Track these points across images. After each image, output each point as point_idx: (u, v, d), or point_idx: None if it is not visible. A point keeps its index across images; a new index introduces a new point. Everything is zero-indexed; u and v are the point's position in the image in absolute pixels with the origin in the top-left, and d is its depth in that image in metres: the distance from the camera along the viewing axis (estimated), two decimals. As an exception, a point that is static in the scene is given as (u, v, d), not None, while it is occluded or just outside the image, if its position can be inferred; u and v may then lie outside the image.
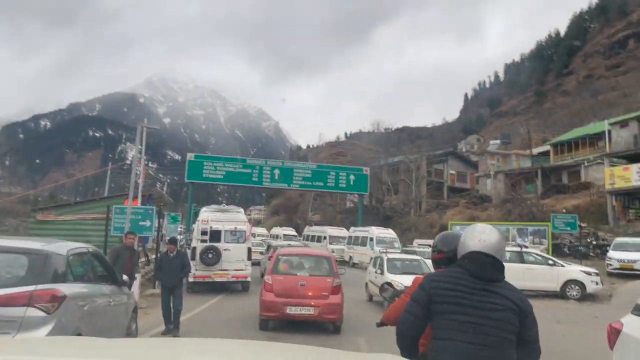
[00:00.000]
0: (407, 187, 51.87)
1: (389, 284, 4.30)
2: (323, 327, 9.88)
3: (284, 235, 38.52)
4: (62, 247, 4.70)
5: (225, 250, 14.91)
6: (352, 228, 33.26)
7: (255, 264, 19.30)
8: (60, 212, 17.11)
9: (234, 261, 14.96)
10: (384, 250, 15.50)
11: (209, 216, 15.20)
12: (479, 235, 2.53)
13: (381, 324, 3.39)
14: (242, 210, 16.02)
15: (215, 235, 15.01)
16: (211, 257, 14.60)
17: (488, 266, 2.45)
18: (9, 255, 4.41)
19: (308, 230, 37.28)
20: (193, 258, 14.64)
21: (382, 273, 13.53)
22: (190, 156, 34.63)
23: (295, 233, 39.72)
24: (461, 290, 2.41)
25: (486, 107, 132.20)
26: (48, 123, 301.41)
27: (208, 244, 14.76)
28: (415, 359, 2.45)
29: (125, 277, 6.43)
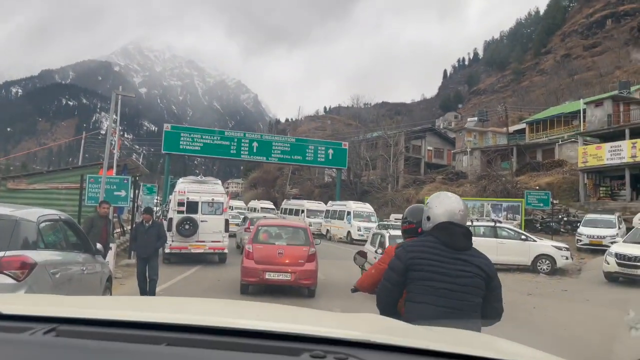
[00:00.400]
0: (385, 163, 52.13)
1: (362, 252, 4.34)
2: (299, 292, 10.56)
3: (262, 208, 38.51)
4: (32, 214, 4.52)
5: (202, 221, 14.79)
6: (330, 202, 33.40)
7: (232, 235, 19.52)
8: (33, 181, 16.63)
9: (211, 232, 14.87)
10: (386, 226, 15.66)
11: (186, 187, 15.02)
12: (448, 206, 2.73)
13: (355, 290, 3.52)
14: (219, 182, 15.84)
15: (192, 207, 14.86)
16: (188, 228, 14.48)
17: (459, 236, 2.67)
18: None
19: (286, 204, 37.32)
20: (170, 229, 14.52)
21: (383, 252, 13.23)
22: (167, 127, 34.04)
23: (273, 206, 39.71)
24: (435, 260, 2.60)
25: (465, 84, 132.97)
26: (19, 90, 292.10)
27: (185, 215, 14.62)
28: (394, 316, 2.52)
29: (99, 245, 6.25)
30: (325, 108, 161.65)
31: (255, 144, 34.56)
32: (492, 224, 17.39)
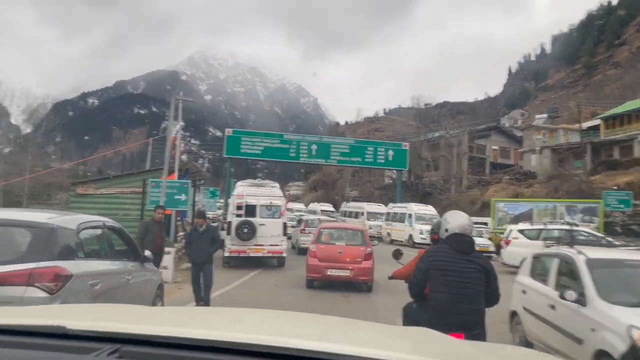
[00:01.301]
0: (448, 163, 50.56)
1: (398, 251, 5.48)
2: (357, 287, 11.70)
3: (322, 210, 38.33)
4: (71, 221, 4.31)
5: (260, 225, 14.73)
6: (391, 204, 32.69)
7: (289, 238, 19.23)
8: (100, 186, 17.30)
9: (269, 236, 14.78)
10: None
11: (244, 191, 15.03)
12: (457, 221, 3.87)
13: (391, 277, 5.01)
14: (277, 185, 15.77)
15: (251, 210, 14.83)
16: (246, 231, 14.45)
17: (466, 243, 3.82)
18: (11, 229, 4.06)
19: (345, 206, 36.95)
20: (228, 232, 14.58)
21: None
22: (228, 131, 34.65)
23: (332, 209, 39.48)
24: (448, 261, 3.75)
25: (531, 80, 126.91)
26: (96, 101, 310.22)
27: (243, 218, 14.61)
28: (422, 300, 4.00)
29: (148, 252, 6.08)
30: (384, 110, 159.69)
31: (314, 147, 34.45)
32: (568, 227, 16.16)
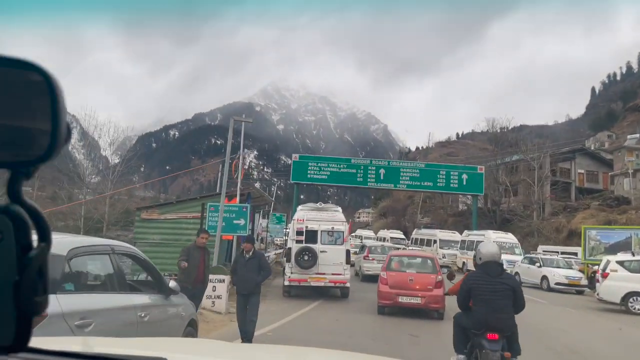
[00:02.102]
0: (528, 188, 47.19)
1: (451, 274, 7.31)
2: (428, 314, 11.63)
3: (391, 238, 36.90)
4: (60, 244, 3.46)
5: (321, 252, 13.76)
6: (466, 232, 30.58)
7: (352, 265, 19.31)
8: (164, 211, 17.25)
9: (331, 264, 13.75)
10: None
11: (305, 215, 14.17)
12: (489, 251, 5.66)
13: (447, 294, 6.95)
14: (339, 209, 14.76)
15: (311, 236, 13.92)
16: (307, 259, 13.53)
17: (496, 268, 5.52)
18: None
19: (416, 234, 35.16)
20: (288, 260, 13.74)
21: None
22: (295, 157, 34.39)
23: (402, 236, 37.81)
24: (483, 283, 5.42)
25: (618, 100, 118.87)
26: (176, 132, 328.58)
27: (304, 244, 13.71)
28: (467, 310, 5.58)
29: (173, 283, 5.15)
30: (457, 134, 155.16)
31: (382, 171, 33.25)
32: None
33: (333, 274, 13.74)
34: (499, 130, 67.59)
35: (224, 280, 10.46)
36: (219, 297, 10.31)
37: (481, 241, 28.17)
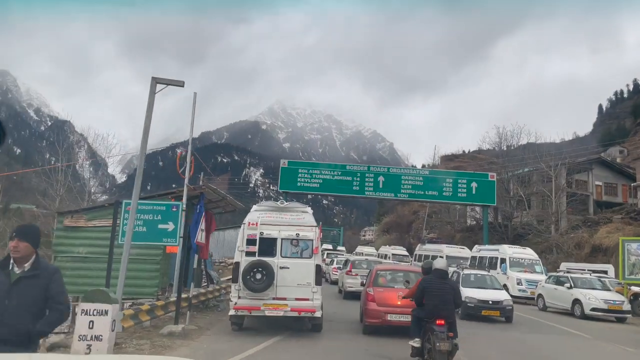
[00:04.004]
0: (544, 201, 43.14)
1: (408, 281, 10.14)
2: None
3: (393, 254, 33.12)
4: None
5: (281, 268, 9.99)
6: (477, 247, 26.67)
7: (334, 282, 19.55)
8: (92, 217, 13.62)
9: (295, 285, 9.98)
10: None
11: (260, 217, 10.36)
12: (439, 263, 8.05)
13: (404, 297, 8.67)
14: (309, 209, 10.78)
15: (268, 246, 10.16)
16: (260, 278, 9.74)
17: (443, 274, 7.85)
18: None
19: (420, 249, 31.17)
20: (235, 279, 9.98)
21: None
22: (283, 163, 30.78)
23: (406, 253, 33.92)
24: (434, 284, 7.57)
25: (629, 115, 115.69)
26: (183, 151, 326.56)
27: (256, 258, 9.94)
28: (421, 305, 7.70)
29: None
30: (463, 152, 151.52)
31: (381, 179, 29.53)
32: None
33: (297, 299, 9.93)
34: (505, 149, 63.63)
35: (106, 312, 6.73)
36: (98, 338, 6.59)
37: (495, 256, 24.40)
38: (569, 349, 10.94)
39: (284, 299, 9.90)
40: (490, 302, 14.14)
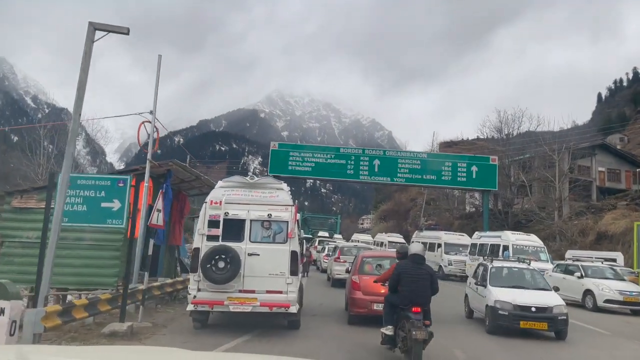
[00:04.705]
0: (546, 187, 41.59)
1: (380, 265, 10.55)
2: None
3: (389, 242, 31.62)
4: None
5: (250, 255, 8.42)
6: (477, 233, 25.15)
7: (324, 271, 19.32)
8: (43, 197, 12.02)
9: (266, 275, 8.41)
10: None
11: (225, 195, 8.75)
12: (415, 248, 7.87)
13: (376, 281, 8.40)
14: (285, 186, 9.13)
15: (234, 229, 8.58)
16: (223, 267, 8.15)
17: (419, 259, 7.46)
18: None
19: (417, 237, 29.65)
20: (194, 269, 8.40)
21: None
22: (273, 145, 29.08)
23: (402, 240, 32.38)
24: (410, 269, 7.27)
25: (629, 103, 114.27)
26: (181, 139, 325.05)
27: (218, 243, 8.35)
28: (396, 292, 7.30)
29: None
30: (462, 140, 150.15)
31: (376, 162, 27.91)
32: None
33: (269, 292, 8.36)
34: (504, 137, 61.90)
35: (3, 312, 5.15)
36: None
37: (497, 244, 22.88)
38: (591, 350, 9.40)
39: (253, 291, 8.33)
40: (534, 310, 9.83)
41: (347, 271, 12.50)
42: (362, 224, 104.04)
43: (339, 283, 16.97)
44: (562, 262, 18.05)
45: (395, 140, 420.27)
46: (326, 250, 24.05)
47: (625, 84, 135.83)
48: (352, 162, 27.99)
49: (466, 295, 12.38)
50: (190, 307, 8.30)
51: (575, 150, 43.81)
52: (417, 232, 32.32)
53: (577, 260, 17.69)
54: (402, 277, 7.16)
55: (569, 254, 22.85)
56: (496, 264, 11.75)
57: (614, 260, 21.39)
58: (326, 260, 21.85)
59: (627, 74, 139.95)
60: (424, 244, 30.14)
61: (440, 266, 25.08)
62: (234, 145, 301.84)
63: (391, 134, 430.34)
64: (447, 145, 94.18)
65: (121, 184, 8.33)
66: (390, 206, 60.17)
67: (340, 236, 42.73)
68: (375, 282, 8.36)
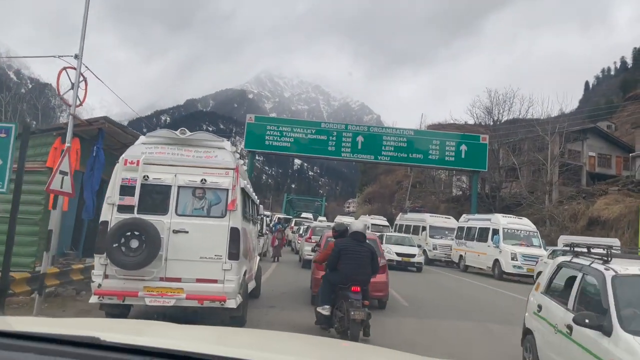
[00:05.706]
0: (536, 171, 40.15)
1: (317, 244, 10.77)
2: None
3: (372, 225, 29.92)
4: None
5: (176, 232, 6.45)
6: (465, 216, 23.52)
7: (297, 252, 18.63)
8: None
9: (197, 259, 6.44)
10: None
11: (145, 153, 6.70)
12: (356, 225, 7.39)
13: (315, 261, 8.52)
14: (227, 144, 7.16)
15: (156, 198, 6.60)
16: (136, 247, 6.17)
17: (360, 236, 7.11)
18: None
19: (401, 219, 27.95)
20: (101, 249, 6.37)
21: None
22: (249, 118, 26.97)
23: (386, 223, 30.76)
24: (350, 246, 6.94)
25: (617, 91, 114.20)
26: (168, 118, 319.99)
27: (131, 216, 6.36)
28: (335, 270, 6.92)
29: None
30: (451, 124, 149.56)
31: (360, 139, 25.98)
32: None
33: (199, 281, 6.40)
34: (492, 123, 60.09)
35: None
36: None
37: (486, 227, 21.20)
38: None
39: (178, 280, 6.37)
40: None
41: (314, 251, 11.49)
42: (347, 207, 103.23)
43: (309, 264, 15.73)
44: (558, 248, 16.37)
45: (384, 124, 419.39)
46: (300, 230, 22.39)
47: (612, 72, 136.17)
48: (334, 138, 26.03)
49: (530, 333, 5.85)
50: (93, 299, 6.30)
51: (567, 132, 42.35)
52: (400, 214, 30.65)
53: (575, 246, 16.05)
54: (342, 254, 6.87)
55: (563, 239, 21.27)
56: (620, 269, 4.46)
57: (611, 247, 19.85)
58: (300, 241, 20.27)
59: (615, 62, 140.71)
60: (407, 227, 28.73)
61: (425, 250, 23.52)
62: (221, 126, 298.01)
63: (380, 118, 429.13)
64: (435, 127, 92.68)
65: (3, 134, 6.27)
66: (375, 188, 58.60)
67: (324, 218, 41.12)
68: (315, 262, 8.25)
